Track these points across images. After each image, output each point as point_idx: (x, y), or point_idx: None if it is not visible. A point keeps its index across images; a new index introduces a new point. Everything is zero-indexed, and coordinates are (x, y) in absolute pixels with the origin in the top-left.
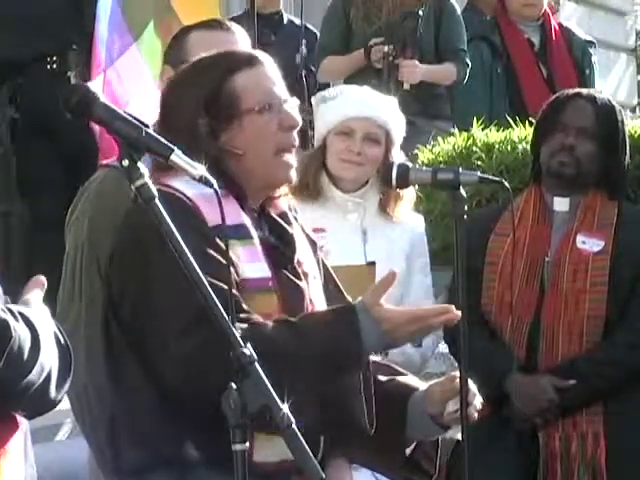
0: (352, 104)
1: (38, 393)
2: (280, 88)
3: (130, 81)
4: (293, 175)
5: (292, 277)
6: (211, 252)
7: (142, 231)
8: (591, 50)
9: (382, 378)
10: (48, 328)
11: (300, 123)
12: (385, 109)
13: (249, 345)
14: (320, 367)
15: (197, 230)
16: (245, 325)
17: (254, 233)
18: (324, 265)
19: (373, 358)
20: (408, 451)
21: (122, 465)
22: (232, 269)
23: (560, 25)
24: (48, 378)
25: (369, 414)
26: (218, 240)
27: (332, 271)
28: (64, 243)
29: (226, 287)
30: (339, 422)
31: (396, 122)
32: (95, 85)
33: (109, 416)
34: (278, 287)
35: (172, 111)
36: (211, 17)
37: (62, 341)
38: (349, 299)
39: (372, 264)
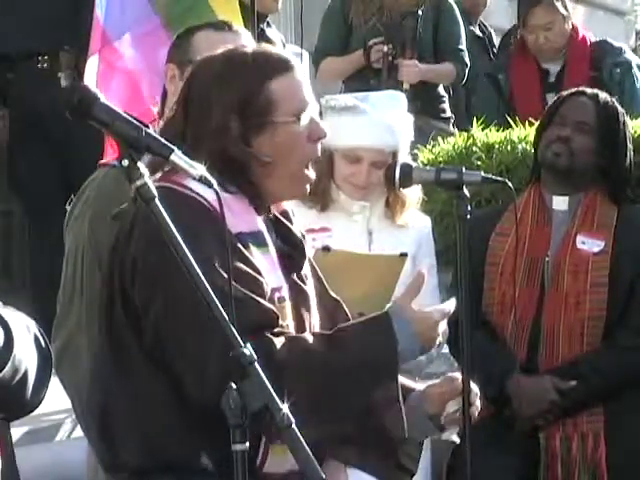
0: (363, 132)
1: (12, 394)
2: (309, 93)
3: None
4: (308, 190)
5: (300, 283)
6: (239, 264)
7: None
8: (621, 69)
9: None
10: (25, 330)
11: (327, 134)
12: (396, 134)
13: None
14: (358, 375)
15: (221, 240)
16: (282, 339)
17: (269, 240)
18: (309, 259)
19: None
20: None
21: (122, 465)
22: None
23: (593, 44)
24: (23, 380)
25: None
26: (242, 247)
27: (314, 263)
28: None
29: (260, 299)
30: (376, 431)
31: (405, 140)
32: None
33: (104, 414)
34: (290, 295)
35: (201, 109)
36: (235, 17)
37: (43, 344)
38: (331, 293)
39: (404, 255)
